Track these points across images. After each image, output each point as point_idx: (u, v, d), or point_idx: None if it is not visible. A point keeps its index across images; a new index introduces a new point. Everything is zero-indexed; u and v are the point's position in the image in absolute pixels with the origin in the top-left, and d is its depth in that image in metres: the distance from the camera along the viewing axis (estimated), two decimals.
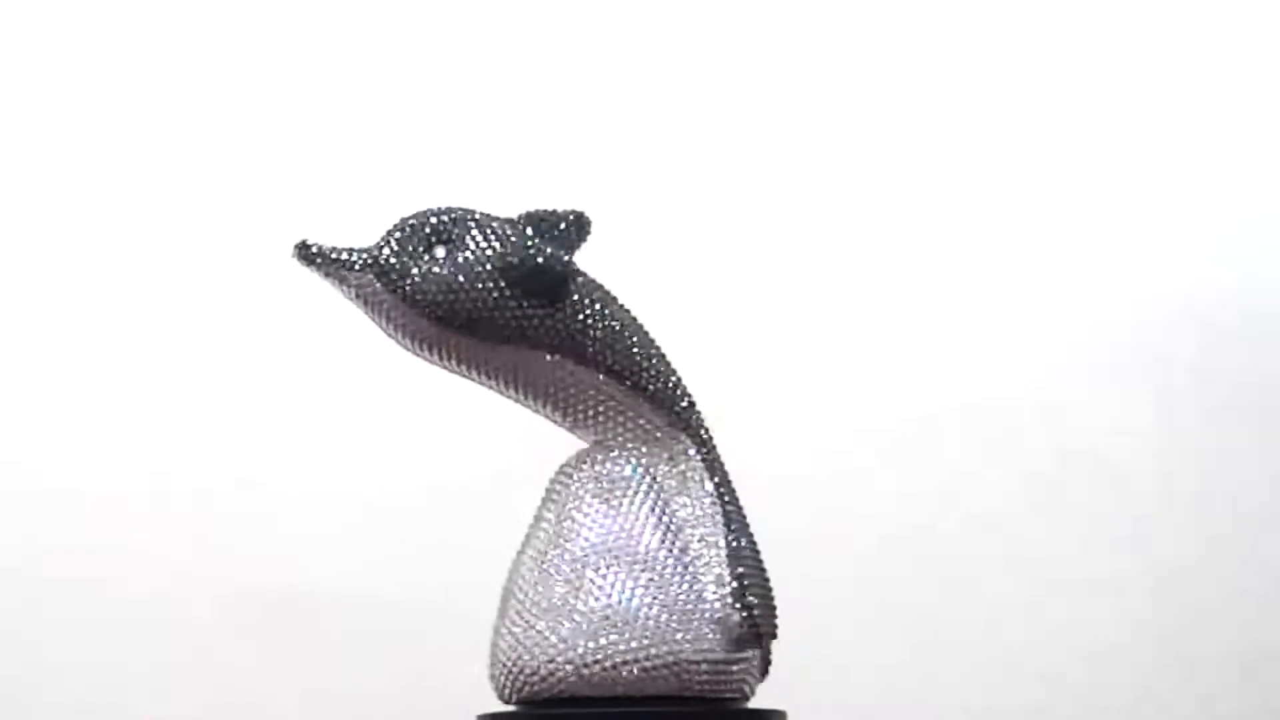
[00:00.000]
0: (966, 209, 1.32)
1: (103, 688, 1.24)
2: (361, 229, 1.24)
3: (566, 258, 0.84)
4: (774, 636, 0.85)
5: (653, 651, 0.84)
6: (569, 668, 0.85)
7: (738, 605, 0.84)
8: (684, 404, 0.87)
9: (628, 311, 0.87)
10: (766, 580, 0.85)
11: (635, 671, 0.84)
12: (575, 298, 0.85)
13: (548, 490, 0.89)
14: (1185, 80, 1.34)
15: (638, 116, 1.32)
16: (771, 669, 0.88)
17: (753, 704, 0.88)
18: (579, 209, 0.86)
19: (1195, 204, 1.33)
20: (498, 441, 1.22)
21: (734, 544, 0.85)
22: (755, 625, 0.83)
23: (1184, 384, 1.31)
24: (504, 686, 0.87)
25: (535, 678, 0.86)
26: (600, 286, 0.86)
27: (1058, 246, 1.32)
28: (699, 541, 0.87)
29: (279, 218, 1.28)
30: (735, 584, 0.84)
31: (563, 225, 0.86)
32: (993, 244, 1.32)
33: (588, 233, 0.86)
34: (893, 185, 1.31)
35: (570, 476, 0.88)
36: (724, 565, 0.85)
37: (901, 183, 1.32)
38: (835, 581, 1.26)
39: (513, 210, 0.87)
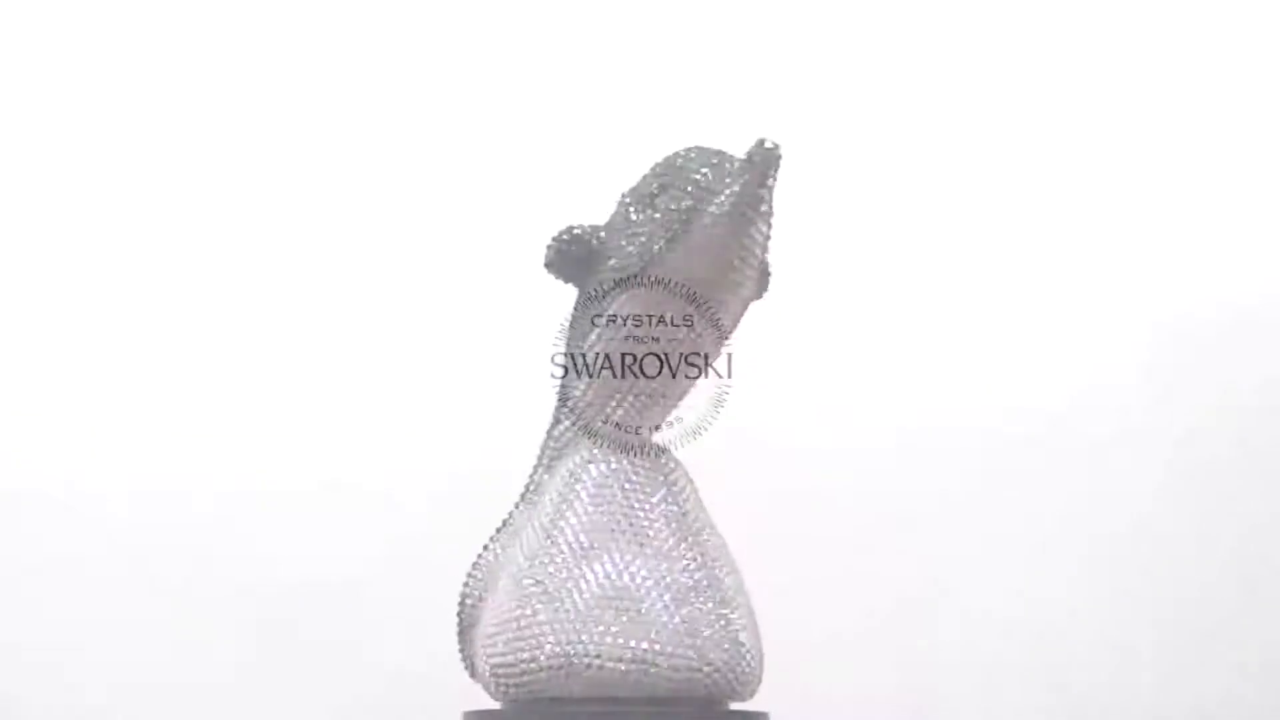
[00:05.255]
0: (979, 229, 1.36)
1: (112, 687, 1.26)
2: (360, 230, 1.25)
3: None
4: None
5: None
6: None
7: None
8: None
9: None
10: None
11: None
12: None
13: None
14: (1186, 101, 1.37)
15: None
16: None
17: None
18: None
19: (1194, 222, 1.37)
20: (497, 440, 1.24)
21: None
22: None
23: (1180, 389, 1.34)
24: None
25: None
26: None
27: (1067, 270, 1.36)
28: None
29: (290, 227, 1.33)
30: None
31: None
32: (1006, 266, 1.36)
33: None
34: (911, 210, 1.36)
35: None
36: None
37: (919, 208, 1.36)
38: (827, 581, 1.27)
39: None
